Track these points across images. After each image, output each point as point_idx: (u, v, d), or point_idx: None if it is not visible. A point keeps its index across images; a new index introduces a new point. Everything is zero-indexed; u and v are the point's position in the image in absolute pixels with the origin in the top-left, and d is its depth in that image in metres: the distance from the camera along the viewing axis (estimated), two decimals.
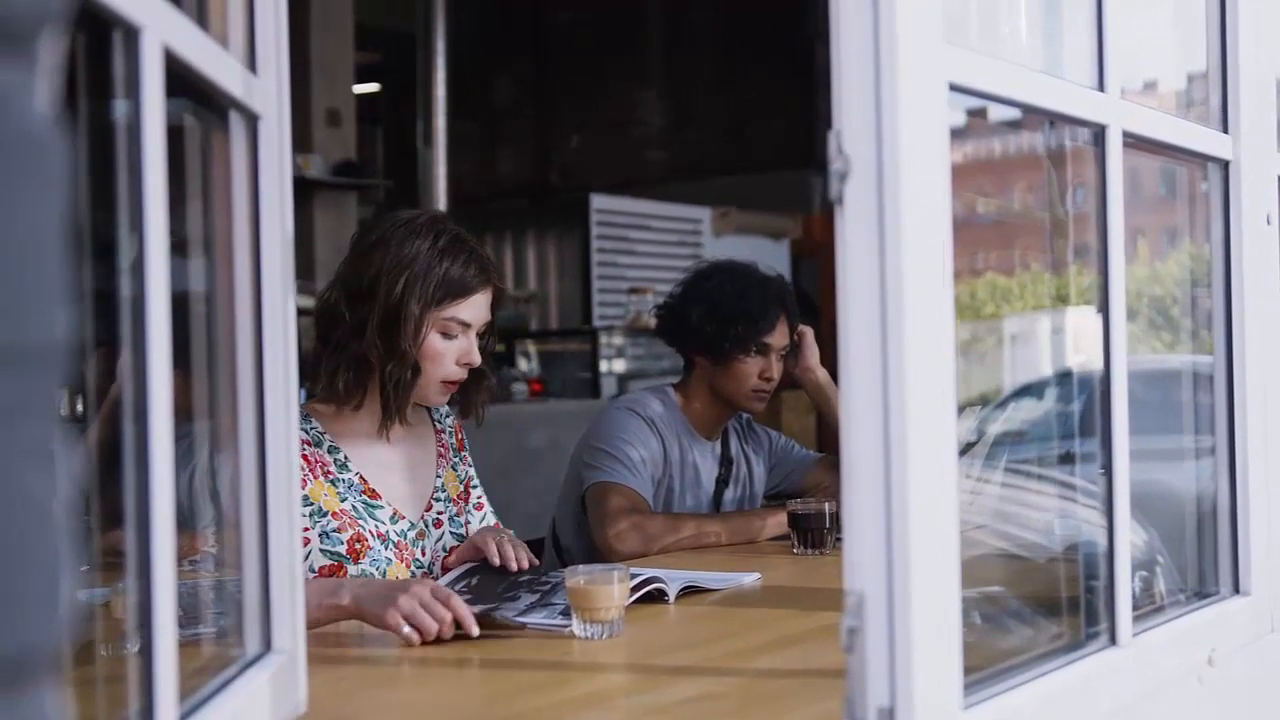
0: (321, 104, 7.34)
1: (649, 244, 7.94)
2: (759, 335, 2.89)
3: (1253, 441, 1.78)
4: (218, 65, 1.16)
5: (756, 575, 2.32)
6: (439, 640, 1.81)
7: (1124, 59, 1.50)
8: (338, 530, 2.16)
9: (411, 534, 2.26)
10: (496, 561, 2.11)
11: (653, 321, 3.27)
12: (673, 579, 2.13)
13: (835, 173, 1.14)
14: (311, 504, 2.14)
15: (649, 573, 2.11)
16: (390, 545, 2.21)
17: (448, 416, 2.43)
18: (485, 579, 2.10)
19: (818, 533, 2.61)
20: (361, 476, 2.23)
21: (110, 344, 1.00)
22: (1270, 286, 1.83)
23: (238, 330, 1.31)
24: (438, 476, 2.36)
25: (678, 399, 2.99)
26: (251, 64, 1.30)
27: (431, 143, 7.73)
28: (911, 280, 1.12)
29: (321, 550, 2.14)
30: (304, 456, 2.15)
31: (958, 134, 1.21)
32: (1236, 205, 1.78)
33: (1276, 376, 1.84)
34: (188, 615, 1.17)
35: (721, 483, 3.03)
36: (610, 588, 1.82)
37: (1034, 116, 1.58)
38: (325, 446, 2.22)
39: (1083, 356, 1.80)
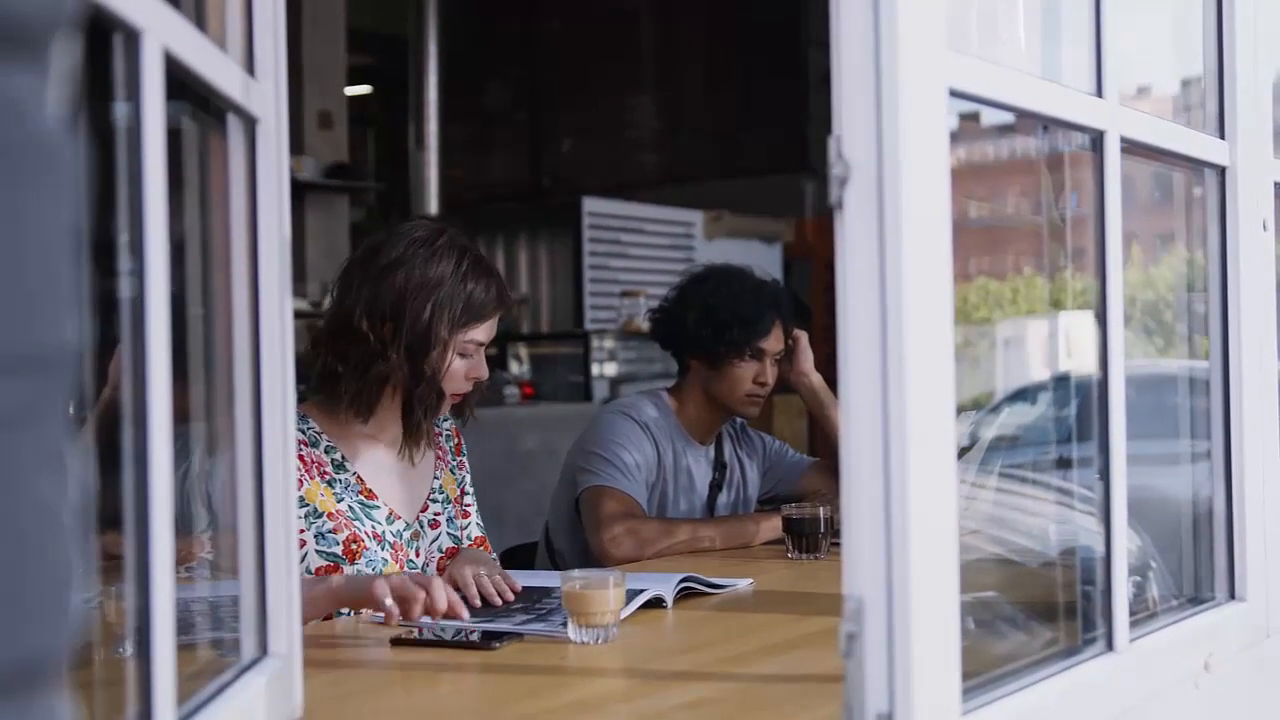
0: (314, 106, 7.33)
1: (641, 247, 7.94)
2: (754, 340, 2.89)
3: (1249, 447, 1.78)
4: (217, 68, 1.16)
5: (750, 581, 2.32)
6: (438, 643, 1.81)
7: (1120, 64, 1.50)
8: (333, 531, 2.16)
9: (407, 534, 2.26)
10: (477, 603, 2.03)
11: (647, 325, 3.27)
12: (669, 581, 2.13)
13: (835, 177, 1.14)
14: (307, 505, 2.14)
15: (645, 582, 2.10)
16: (386, 546, 2.21)
17: (445, 420, 2.43)
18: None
19: (812, 538, 2.60)
20: (359, 476, 2.23)
21: (104, 347, 1.00)
22: (1266, 292, 1.84)
23: (235, 332, 1.30)
24: (435, 478, 2.36)
25: (672, 403, 2.99)
26: (250, 67, 1.29)
27: (423, 145, 7.73)
28: (911, 285, 1.12)
29: (317, 551, 2.14)
30: (300, 457, 2.15)
31: (950, 138, 1.21)
32: (1233, 211, 1.78)
33: (1273, 382, 1.84)
34: (183, 619, 1.17)
35: (715, 487, 3.02)
36: (606, 592, 1.82)
37: (1026, 121, 1.58)
38: (323, 446, 2.22)
39: (1076, 361, 1.80)
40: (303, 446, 2.18)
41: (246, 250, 1.31)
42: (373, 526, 2.20)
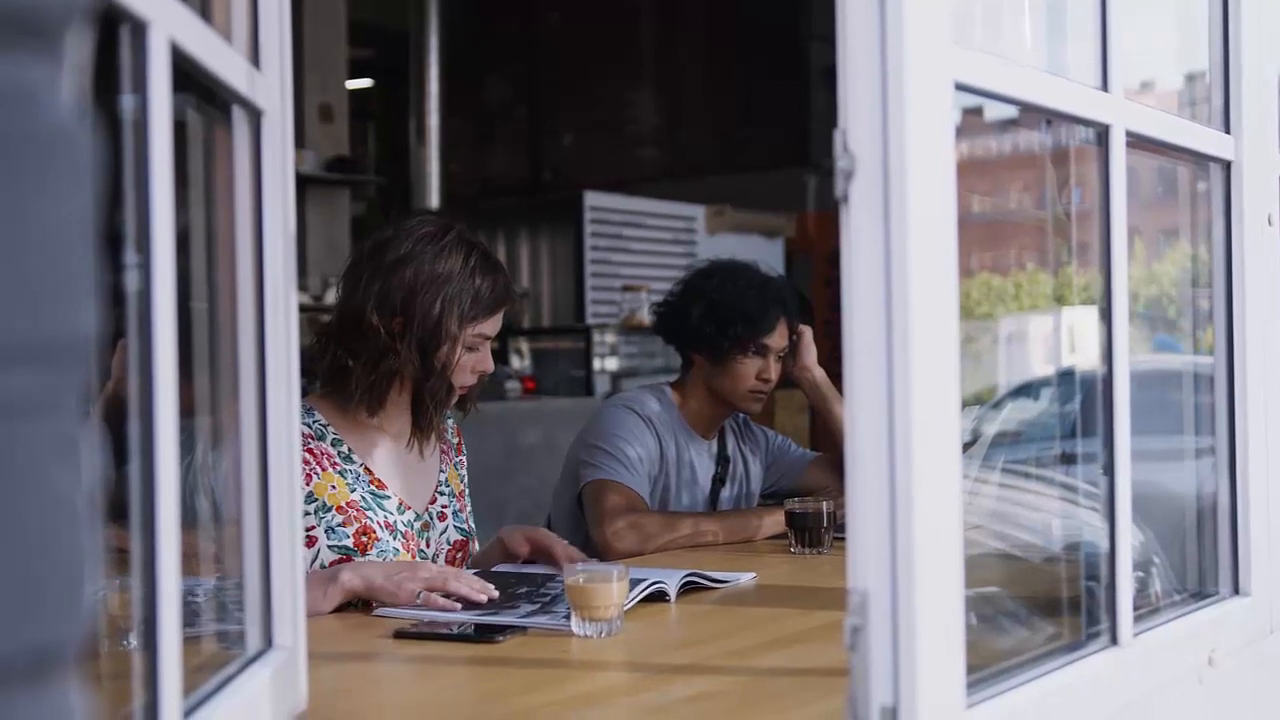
0: (315, 99, 7.34)
1: (642, 242, 7.94)
2: (758, 336, 2.89)
3: (1253, 442, 1.78)
4: (223, 60, 1.16)
5: (753, 575, 2.32)
6: (441, 637, 1.82)
7: (1125, 58, 1.50)
8: (343, 524, 2.16)
9: (417, 525, 2.28)
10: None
11: (649, 319, 3.27)
12: (672, 576, 2.13)
13: (841, 171, 1.13)
14: (315, 500, 2.15)
15: (649, 575, 2.10)
16: (398, 535, 2.23)
17: (448, 417, 2.44)
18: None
19: (815, 532, 2.61)
20: (367, 468, 2.24)
21: (108, 341, 1.00)
22: (1271, 287, 1.83)
23: (239, 325, 1.30)
24: (441, 471, 2.38)
25: (675, 397, 2.99)
26: (255, 59, 1.29)
27: (424, 140, 7.73)
28: (917, 278, 1.11)
29: (329, 546, 2.15)
30: (309, 450, 2.16)
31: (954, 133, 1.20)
32: (1238, 206, 1.78)
33: (1277, 377, 1.84)
34: (188, 612, 1.17)
35: (718, 481, 3.02)
36: (609, 586, 1.82)
37: (1029, 115, 1.58)
38: (329, 439, 2.23)
39: (1079, 356, 1.80)
40: (309, 440, 2.19)
41: (251, 242, 1.31)
42: (385, 516, 2.22)
